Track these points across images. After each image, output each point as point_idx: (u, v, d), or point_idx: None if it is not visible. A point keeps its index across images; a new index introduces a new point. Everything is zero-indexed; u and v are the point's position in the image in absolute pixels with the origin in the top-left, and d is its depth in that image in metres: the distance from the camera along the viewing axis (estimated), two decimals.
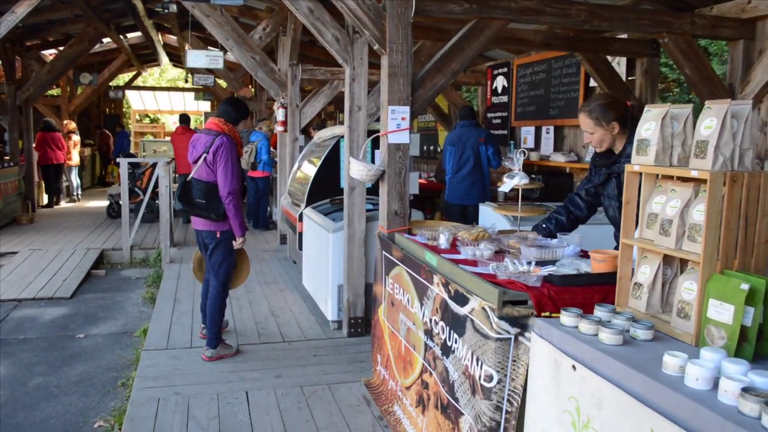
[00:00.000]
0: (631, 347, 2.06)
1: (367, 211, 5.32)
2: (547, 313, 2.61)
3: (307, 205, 6.68)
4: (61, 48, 13.01)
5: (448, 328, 3.11)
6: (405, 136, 4.08)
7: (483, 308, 2.71)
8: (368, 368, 4.54)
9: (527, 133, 8.24)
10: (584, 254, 3.47)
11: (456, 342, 3.00)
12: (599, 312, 2.29)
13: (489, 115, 9.21)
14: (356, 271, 5.22)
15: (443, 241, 3.66)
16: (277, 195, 9.95)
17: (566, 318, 2.25)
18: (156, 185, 8.71)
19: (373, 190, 5.03)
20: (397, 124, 4.04)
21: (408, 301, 3.69)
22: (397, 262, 3.90)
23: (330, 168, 6.88)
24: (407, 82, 4.06)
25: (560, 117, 7.52)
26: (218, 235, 4.56)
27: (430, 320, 3.34)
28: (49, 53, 14.18)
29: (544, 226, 3.77)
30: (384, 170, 4.12)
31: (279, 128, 8.67)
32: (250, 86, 15.00)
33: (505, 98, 8.78)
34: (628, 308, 2.44)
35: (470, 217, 7.20)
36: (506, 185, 4.04)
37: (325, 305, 5.56)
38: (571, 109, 7.32)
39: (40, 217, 11.94)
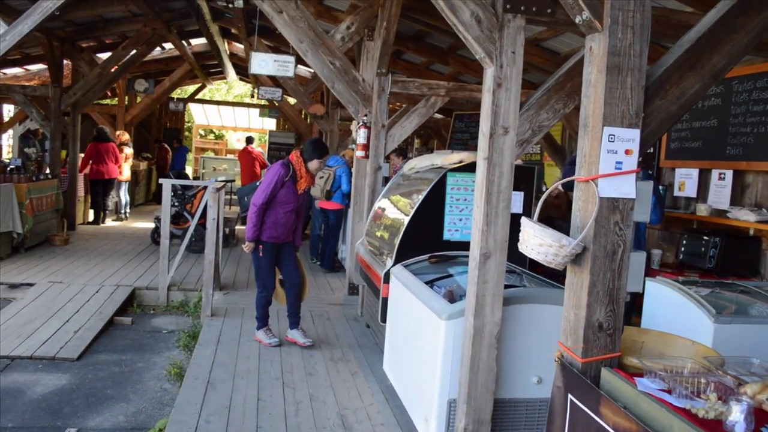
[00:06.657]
0: None
1: (506, 287, 3.43)
2: None
3: (396, 261, 4.84)
4: None
5: None
6: (629, 185, 2.18)
7: None
8: None
9: (685, 176, 6.20)
10: None
11: None
12: None
13: None
14: (482, 384, 3.32)
15: (739, 420, 1.73)
16: (347, 231, 8.21)
17: None
18: (204, 212, 7.04)
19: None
20: (616, 162, 2.15)
21: None
22: (611, 431, 1.99)
23: (430, 212, 5.04)
24: (638, 84, 2.18)
25: (744, 158, 5.47)
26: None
27: None
28: (106, 56, 12.90)
29: None
30: (586, 247, 2.23)
31: (359, 153, 6.89)
32: (321, 103, 13.38)
33: None
34: None
35: None
36: None
37: (426, 426, 3.66)
38: (764, 147, 5.28)
39: (77, 238, 10.47)
